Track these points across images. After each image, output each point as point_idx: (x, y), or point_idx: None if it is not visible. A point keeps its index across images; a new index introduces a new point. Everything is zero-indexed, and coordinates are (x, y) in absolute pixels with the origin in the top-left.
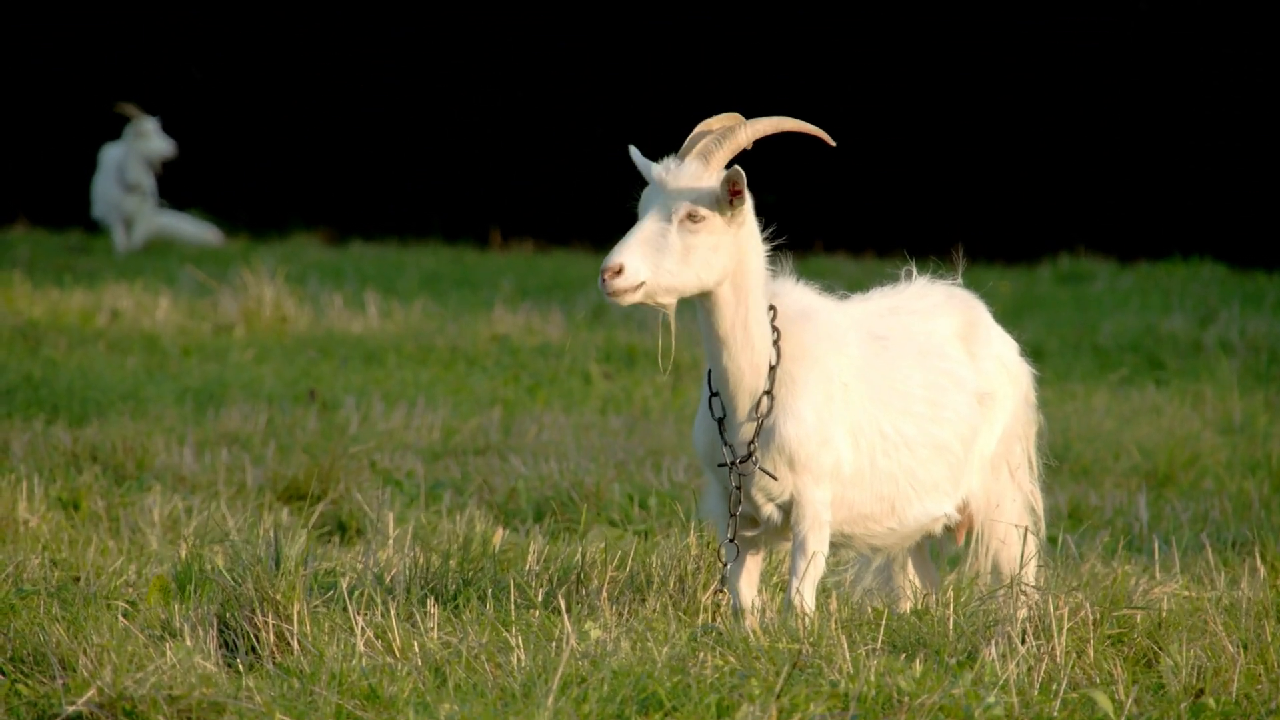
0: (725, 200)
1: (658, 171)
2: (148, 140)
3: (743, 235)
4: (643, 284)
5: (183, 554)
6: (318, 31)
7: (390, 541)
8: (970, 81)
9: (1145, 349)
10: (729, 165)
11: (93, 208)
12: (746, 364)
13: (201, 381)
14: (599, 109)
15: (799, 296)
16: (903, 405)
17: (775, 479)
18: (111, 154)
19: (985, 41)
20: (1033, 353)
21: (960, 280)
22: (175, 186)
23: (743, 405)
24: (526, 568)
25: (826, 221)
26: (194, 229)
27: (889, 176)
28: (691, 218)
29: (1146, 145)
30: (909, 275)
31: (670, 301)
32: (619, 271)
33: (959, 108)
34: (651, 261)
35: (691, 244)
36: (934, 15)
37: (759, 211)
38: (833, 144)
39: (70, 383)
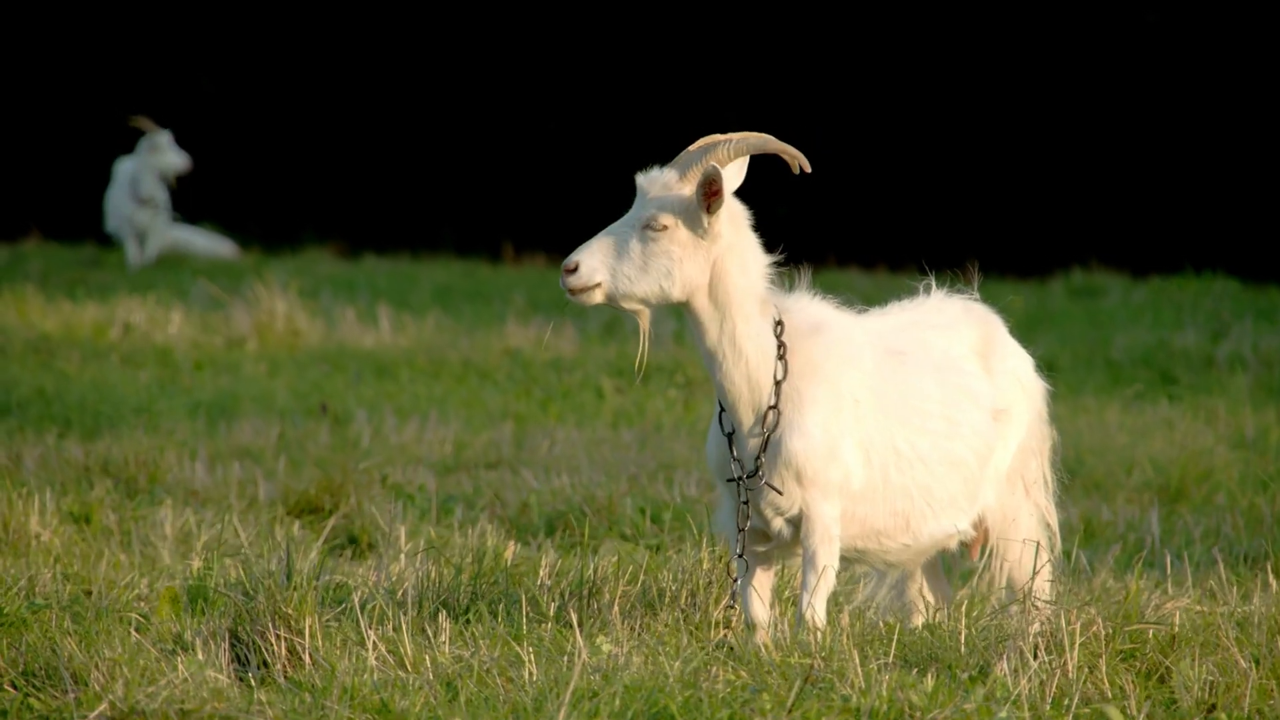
0: (701, 208)
1: (639, 179)
2: (161, 154)
3: (719, 249)
4: (599, 285)
5: (194, 568)
6: (331, 46)
7: (402, 555)
8: (982, 96)
9: (1157, 364)
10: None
11: (106, 221)
12: (741, 379)
13: (214, 395)
14: (612, 124)
15: (813, 311)
16: (919, 421)
17: (780, 494)
18: (125, 167)
19: (996, 56)
20: (1045, 367)
21: (977, 295)
22: (188, 200)
23: (745, 420)
24: (538, 582)
25: (839, 235)
26: (207, 242)
27: (902, 191)
28: (651, 225)
29: (1158, 160)
30: (927, 289)
31: (636, 308)
32: (574, 270)
33: (971, 123)
34: (610, 265)
35: (652, 251)
36: (945, 30)
37: (770, 225)
38: (809, 169)
39: (83, 396)
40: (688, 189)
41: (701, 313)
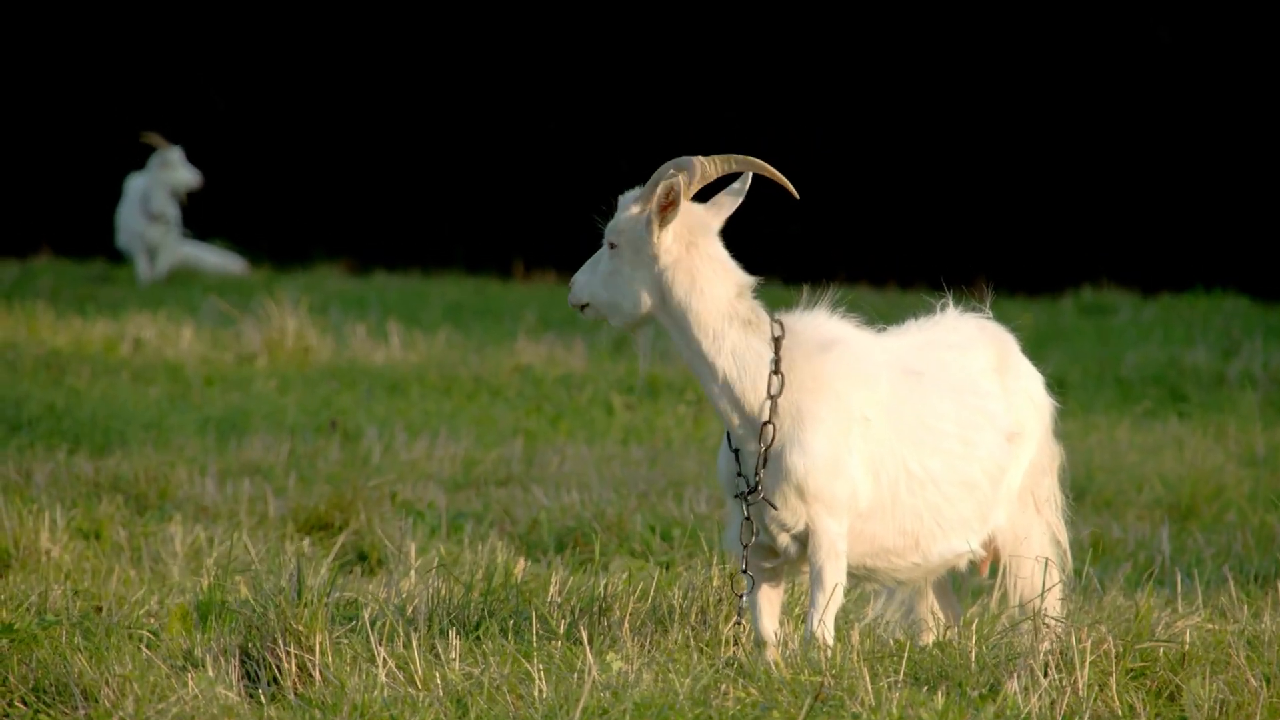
0: (654, 221)
1: (621, 199)
2: (172, 170)
3: (663, 266)
4: (587, 303)
5: (205, 584)
6: (342, 62)
7: (412, 572)
8: (993, 113)
9: (1168, 381)
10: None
11: (117, 237)
12: (720, 394)
13: (224, 411)
14: (622, 141)
15: (828, 328)
16: (933, 442)
17: (775, 509)
18: (136, 184)
19: (1006, 73)
20: (1056, 384)
21: (990, 313)
22: (199, 216)
23: (740, 434)
24: (548, 599)
25: (849, 252)
26: (218, 259)
27: (912, 208)
28: (606, 244)
29: (1169, 178)
30: (942, 308)
31: (618, 325)
32: (572, 288)
33: (982, 139)
34: (590, 284)
35: (609, 269)
36: (957, 47)
37: (781, 243)
38: (796, 194)
39: (93, 412)
40: (637, 208)
41: (668, 330)
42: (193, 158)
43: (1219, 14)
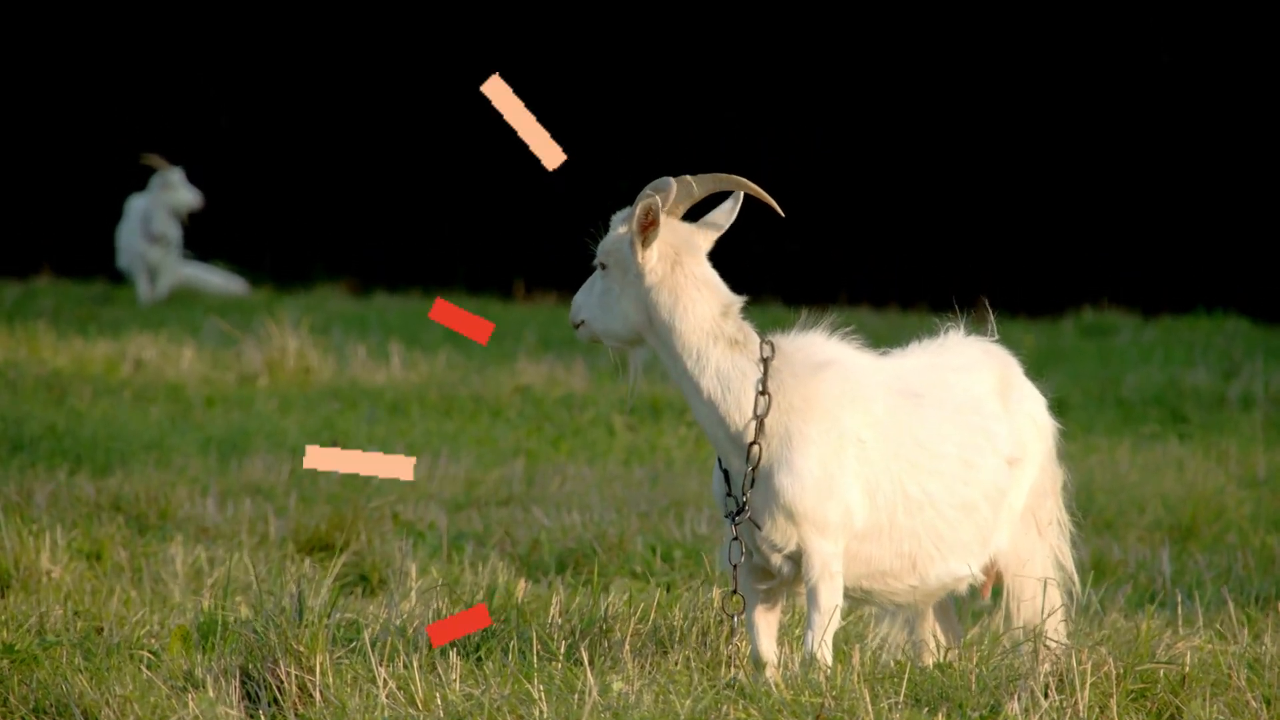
0: (636, 241)
1: (613, 218)
2: (173, 191)
3: (648, 285)
4: (584, 322)
5: (205, 605)
6: (344, 83)
7: (413, 593)
8: (995, 134)
9: (1169, 402)
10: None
11: (118, 258)
12: (706, 414)
13: (225, 431)
14: (623, 154)
15: (822, 350)
16: (931, 465)
17: (760, 529)
18: (137, 204)
19: (1009, 94)
20: (1056, 406)
21: (996, 336)
22: (200, 237)
23: (728, 454)
24: (549, 619)
25: (850, 273)
26: (219, 279)
27: (913, 229)
28: (598, 264)
29: (1170, 199)
30: (946, 330)
31: (612, 345)
32: (572, 305)
33: (984, 160)
34: (586, 302)
35: (601, 289)
36: (958, 69)
37: (781, 262)
38: (781, 213)
39: (94, 432)
40: (623, 228)
41: (655, 350)
42: (194, 178)
43: (1219, 37)
